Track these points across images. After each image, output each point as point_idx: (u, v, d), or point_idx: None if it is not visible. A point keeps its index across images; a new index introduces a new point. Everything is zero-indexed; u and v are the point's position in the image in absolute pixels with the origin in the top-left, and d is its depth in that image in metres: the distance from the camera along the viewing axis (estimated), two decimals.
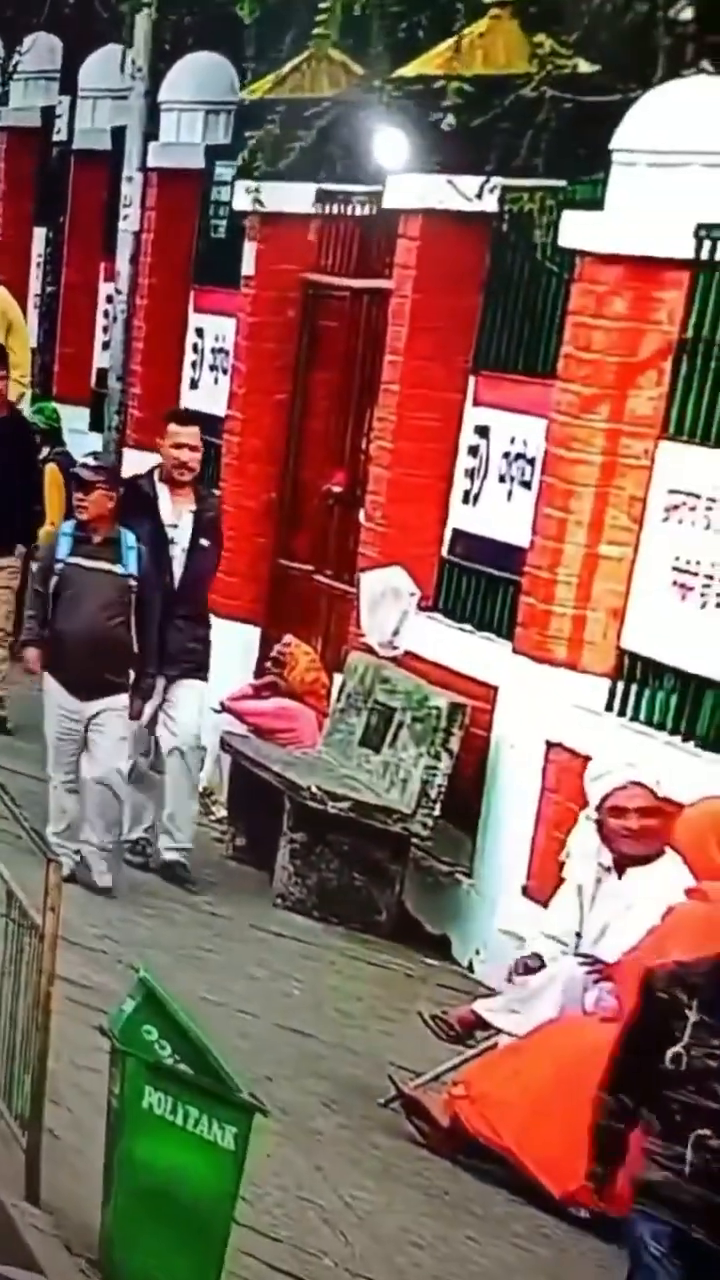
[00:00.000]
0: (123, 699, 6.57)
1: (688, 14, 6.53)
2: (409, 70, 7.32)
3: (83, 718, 6.56)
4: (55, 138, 11.52)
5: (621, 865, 5.38)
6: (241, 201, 8.90)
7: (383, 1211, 4.91)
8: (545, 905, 5.84)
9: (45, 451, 9.69)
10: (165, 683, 6.95)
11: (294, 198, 8.59)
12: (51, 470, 9.44)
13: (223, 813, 7.96)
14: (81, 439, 10.46)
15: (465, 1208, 5.09)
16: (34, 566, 7.45)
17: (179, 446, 7.10)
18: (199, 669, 7.12)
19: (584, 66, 6.72)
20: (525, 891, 6.49)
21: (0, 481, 8.18)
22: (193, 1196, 3.93)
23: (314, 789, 7.00)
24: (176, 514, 7.04)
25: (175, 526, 7.02)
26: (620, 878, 5.39)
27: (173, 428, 7.21)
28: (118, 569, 6.53)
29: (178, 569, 7.02)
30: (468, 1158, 5.26)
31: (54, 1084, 4.38)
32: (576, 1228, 5.01)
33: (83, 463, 6.94)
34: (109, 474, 6.83)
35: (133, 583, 6.54)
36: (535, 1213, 5.07)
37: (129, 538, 6.59)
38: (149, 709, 6.85)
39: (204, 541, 7.10)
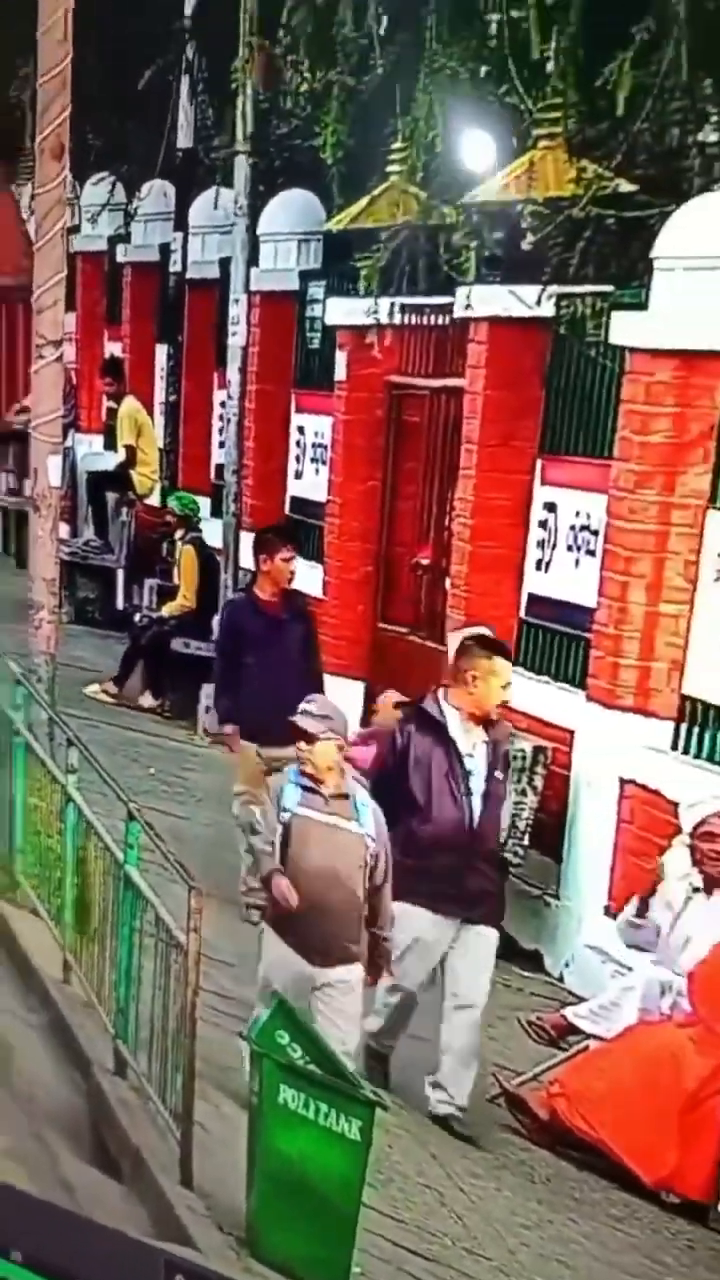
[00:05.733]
0: (358, 970, 4.97)
1: (714, 136, 6.52)
2: (481, 196, 7.33)
3: (315, 983, 4.93)
4: (172, 269, 11.75)
5: (710, 886, 5.36)
6: (333, 316, 9.02)
7: (493, 1196, 4.85)
8: None
9: (181, 533, 9.98)
10: (460, 926, 5.40)
11: (380, 311, 8.63)
12: (188, 552, 9.76)
13: None
14: (206, 524, 10.55)
15: (566, 1192, 5.04)
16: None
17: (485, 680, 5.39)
18: (495, 915, 5.51)
19: (625, 187, 6.75)
20: (607, 911, 6.47)
21: (281, 666, 6.86)
22: (325, 1181, 3.92)
23: None
24: (471, 743, 5.42)
25: (471, 757, 5.41)
26: (709, 897, 5.37)
27: (484, 663, 5.41)
28: (354, 826, 4.93)
29: (477, 806, 5.37)
30: (566, 1148, 5.22)
31: (201, 1083, 4.35)
32: (667, 1211, 4.97)
33: (304, 709, 4.99)
34: (333, 724, 4.97)
35: (370, 842, 4.94)
36: (629, 1197, 5.03)
37: (361, 793, 5.02)
38: (437, 949, 5.41)
39: (499, 775, 5.49)
